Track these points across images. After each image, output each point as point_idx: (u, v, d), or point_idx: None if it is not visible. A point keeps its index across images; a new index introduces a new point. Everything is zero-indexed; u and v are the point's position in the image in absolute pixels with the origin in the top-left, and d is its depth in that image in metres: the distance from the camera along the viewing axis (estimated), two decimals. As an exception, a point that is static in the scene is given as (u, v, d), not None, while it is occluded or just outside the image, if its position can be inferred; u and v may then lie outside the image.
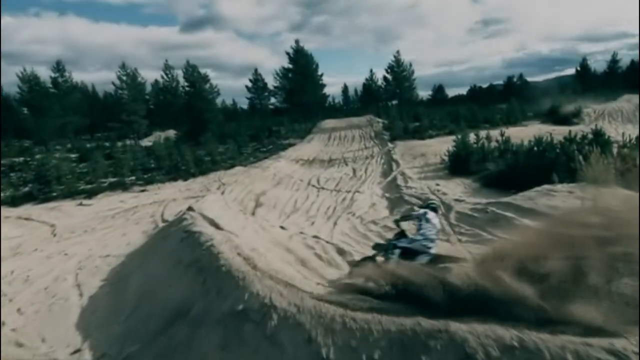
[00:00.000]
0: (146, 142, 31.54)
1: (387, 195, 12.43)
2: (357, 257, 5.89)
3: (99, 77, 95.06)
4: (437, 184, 12.64)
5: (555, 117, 27.95)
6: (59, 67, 33.39)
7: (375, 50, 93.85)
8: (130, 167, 19.54)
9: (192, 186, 16.49)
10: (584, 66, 44.99)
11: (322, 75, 40.58)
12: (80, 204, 14.25)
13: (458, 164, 14.28)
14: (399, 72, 40.92)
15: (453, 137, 16.62)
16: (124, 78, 33.66)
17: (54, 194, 15.58)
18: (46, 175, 16.44)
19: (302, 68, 38.88)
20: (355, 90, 45.99)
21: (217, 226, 6.01)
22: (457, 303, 3.12)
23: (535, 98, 34.44)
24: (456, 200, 9.87)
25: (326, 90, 42.12)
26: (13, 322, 5.29)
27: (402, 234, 5.26)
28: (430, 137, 23.60)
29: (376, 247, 5.59)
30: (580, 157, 9.29)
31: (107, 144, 28.35)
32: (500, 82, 48.99)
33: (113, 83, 33.69)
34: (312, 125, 31.47)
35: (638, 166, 9.40)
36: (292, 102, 39.35)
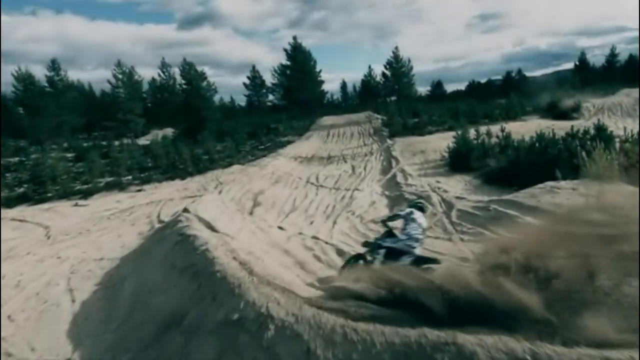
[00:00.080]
0: (144, 140, 31.28)
1: (387, 193, 12.25)
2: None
3: (96, 76, 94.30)
4: (438, 181, 12.47)
5: (554, 112, 27.78)
6: (54, 65, 33.10)
7: (373, 46, 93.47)
8: (127, 167, 19.31)
9: (189, 185, 16.28)
10: (582, 60, 44.78)
11: (320, 71, 40.41)
12: (76, 205, 14.05)
13: (458, 161, 14.09)
14: (398, 68, 40.64)
15: (453, 133, 16.44)
16: (120, 76, 33.34)
17: (49, 194, 15.34)
18: (41, 175, 16.19)
19: (300, 65, 38.58)
20: (354, 87, 45.69)
21: (212, 228, 5.84)
22: (457, 311, 2.97)
23: (533, 93, 34.25)
24: (457, 197, 9.71)
25: (324, 87, 42.00)
26: (3, 330, 5.10)
27: (389, 233, 5.21)
28: (430, 133, 23.40)
29: (366, 244, 5.54)
30: (584, 153, 9.15)
31: (104, 143, 28.10)
32: (499, 77, 48.72)
33: (109, 81, 33.38)
34: (310, 122, 31.22)
35: (639, 162, 9.27)
36: (290, 99, 39.08)
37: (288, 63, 39.13)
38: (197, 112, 31.88)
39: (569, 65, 51.22)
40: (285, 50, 39.21)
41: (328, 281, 4.50)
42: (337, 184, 14.52)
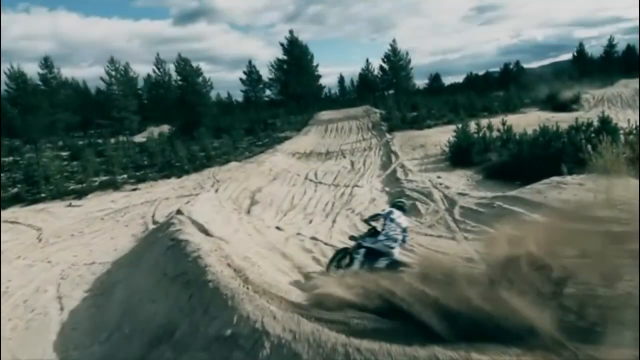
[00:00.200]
0: (140, 137, 30.87)
1: (387, 189, 12.02)
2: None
3: (92, 73, 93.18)
4: (439, 177, 12.21)
5: (553, 103, 27.50)
6: (46, 63, 32.62)
7: (370, 39, 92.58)
8: (122, 165, 18.96)
9: (185, 184, 15.99)
10: (580, 51, 44.39)
11: (317, 66, 39.91)
12: (70, 205, 13.75)
13: (459, 155, 13.81)
14: (396, 61, 40.18)
15: (452, 127, 16.16)
16: (113, 73, 32.86)
17: (43, 194, 15.03)
18: (34, 175, 15.86)
19: (297, 59, 38.12)
20: (352, 81, 45.09)
21: (206, 232, 5.57)
22: (458, 329, 2.75)
23: (531, 85, 33.94)
24: (460, 194, 9.47)
25: (322, 81, 41.45)
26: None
27: (372, 232, 5.24)
28: (429, 127, 23.09)
29: (352, 238, 5.61)
30: (589, 147, 8.89)
31: (99, 141, 27.70)
32: (497, 69, 48.22)
33: (102, 79, 32.90)
34: (308, 117, 30.85)
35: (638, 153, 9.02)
36: (287, 94, 38.64)
37: (285, 57, 38.66)
38: (193, 108, 31.45)
39: (566, 57, 50.84)
40: (282, 44, 38.77)
41: (314, 287, 4.17)
42: (336, 180, 14.27)
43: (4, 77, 30.06)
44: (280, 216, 10.29)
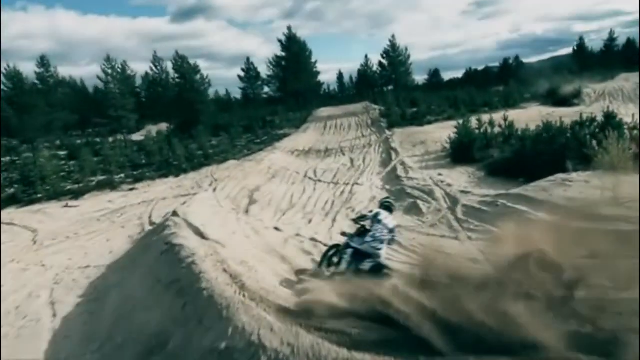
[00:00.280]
0: (138, 136, 30.65)
1: (387, 187, 11.82)
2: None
3: (90, 71, 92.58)
4: (440, 174, 12.02)
5: (554, 98, 27.30)
6: (43, 62, 32.30)
7: (369, 35, 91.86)
8: (119, 164, 18.75)
9: (183, 183, 15.80)
10: (580, 45, 44.06)
11: (316, 62, 39.64)
12: (66, 206, 13.57)
13: (461, 152, 13.60)
14: (395, 57, 39.87)
15: (452, 123, 15.94)
16: (109, 71, 32.53)
17: (39, 195, 14.86)
18: (30, 175, 15.68)
19: (295, 56, 37.83)
20: (351, 77, 44.74)
21: (202, 235, 5.39)
22: (459, 344, 2.60)
23: (531, 79, 33.72)
24: (462, 192, 9.30)
25: (321, 78, 41.24)
26: (-24, 351, 4.70)
27: (361, 232, 5.20)
28: (429, 123, 22.91)
29: (344, 234, 5.57)
30: (594, 143, 8.71)
31: (97, 139, 27.48)
32: (496, 64, 47.85)
33: (98, 77, 32.57)
34: (307, 114, 30.66)
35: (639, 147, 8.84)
36: (286, 91, 38.38)
37: (283, 54, 38.38)
38: (191, 106, 31.18)
39: (565, 51, 50.46)
40: (280, 41, 38.46)
41: (304, 291, 3.98)
42: (335, 178, 14.07)
43: (2, 76, 29.77)
44: (279, 216, 10.11)
